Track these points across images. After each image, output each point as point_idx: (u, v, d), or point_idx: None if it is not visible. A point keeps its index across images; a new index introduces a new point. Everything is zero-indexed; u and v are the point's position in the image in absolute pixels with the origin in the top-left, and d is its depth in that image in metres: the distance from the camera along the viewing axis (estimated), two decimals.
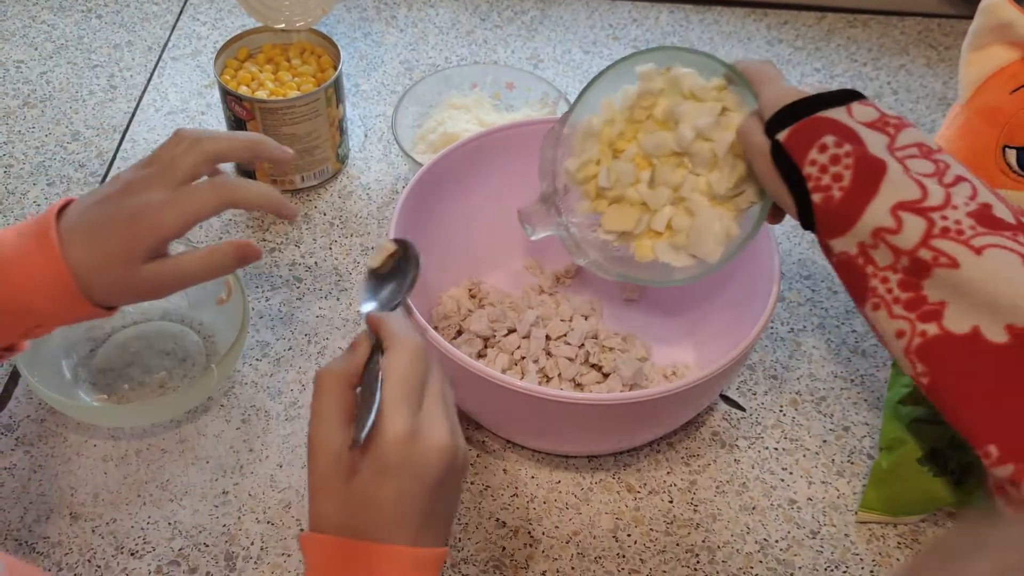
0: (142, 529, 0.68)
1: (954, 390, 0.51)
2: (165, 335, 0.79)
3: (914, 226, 0.52)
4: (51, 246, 0.57)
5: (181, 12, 1.09)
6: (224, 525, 0.68)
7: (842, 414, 0.76)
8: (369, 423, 0.50)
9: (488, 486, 0.71)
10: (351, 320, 0.81)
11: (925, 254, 0.52)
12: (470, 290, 0.81)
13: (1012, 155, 0.70)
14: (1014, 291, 0.49)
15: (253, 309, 0.81)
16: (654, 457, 0.73)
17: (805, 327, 0.82)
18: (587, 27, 1.09)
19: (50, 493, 0.70)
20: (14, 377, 0.76)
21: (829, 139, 0.55)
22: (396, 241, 0.62)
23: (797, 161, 0.56)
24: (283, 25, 0.89)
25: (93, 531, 0.68)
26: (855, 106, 0.57)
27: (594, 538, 0.69)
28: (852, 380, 0.78)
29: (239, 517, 0.69)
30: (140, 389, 0.75)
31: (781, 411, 0.76)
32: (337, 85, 0.87)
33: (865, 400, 0.77)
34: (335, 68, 0.88)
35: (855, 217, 0.54)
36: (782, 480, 0.72)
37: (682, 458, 0.73)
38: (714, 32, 1.08)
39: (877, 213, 0.53)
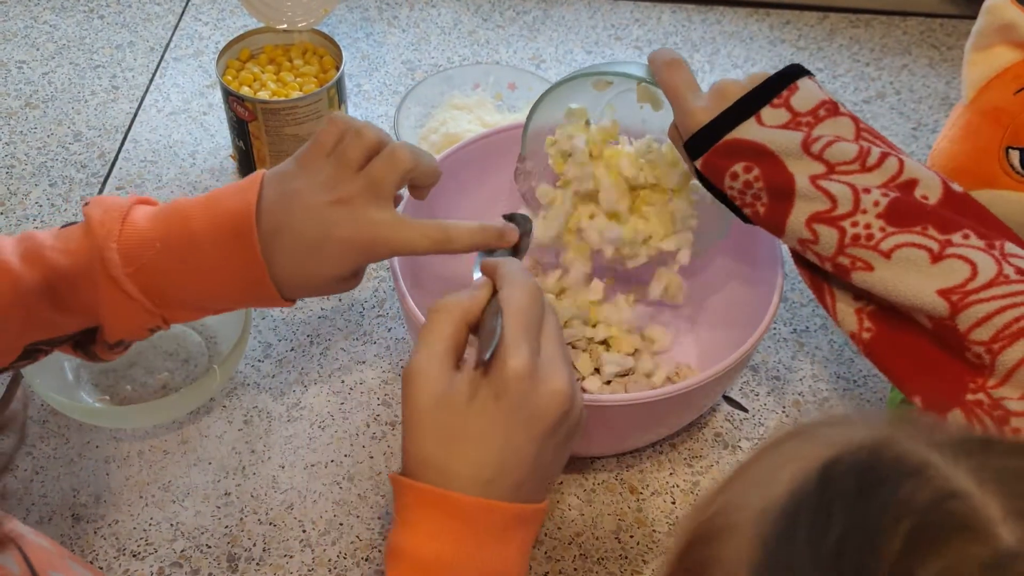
0: (144, 531, 0.68)
1: (890, 349, 0.57)
2: (167, 336, 0.79)
3: (829, 237, 0.56)
4: (256, 259, 0.56)
5: (183, 12, 1.09)
6: (226, 527, 0.68)
7: None
8: (495, 343, 0.48)
9: None
10: (353, 321, 0.81)
11: (843, 260, 0.56)
12: None
13: (1015, 156, 0.70)
14: (921, 290, 0.53)
15: (255, 310, 0.81)
16: (656, 458, 0.73)
17: (808, 328, 0.82)
18: (589, 27, 1.09)
19: (52, 495, 0.70)
20: (16, 378, 0.76)
21: (738, 166, 0.58)
22: (505, 217, 0.63)
23: (718, 185, 0.60)
24: (285, 25, 0.89)
25: (95, 532, 0.68)
26: (766, 112, 0.57)
27: (596, 539, 0.68)
28: (855, 381, 0.78)
29: (241, 519, 0.69)
30: (142, 390, 0.75)
31: (784, 412, 0.76)
32: (339, 86, 0.87)
33: (868, 401, 0.77)
34: (337, 69, 0.88)
35: (781, 229, 0.58)
36: None
37: (685, 459, 0.73)
38: (716, 32, 1.08)
39: (796, 227, 0.57)
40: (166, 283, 0.57)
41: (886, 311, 0.57)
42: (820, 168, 0.56)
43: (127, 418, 0.72)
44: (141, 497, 0.70)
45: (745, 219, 0.61)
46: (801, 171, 0.56)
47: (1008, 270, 0.52)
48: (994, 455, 0.31)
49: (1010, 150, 0.70)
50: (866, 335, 0.58)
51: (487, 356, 0.48)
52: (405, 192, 0.66)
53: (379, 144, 0.59)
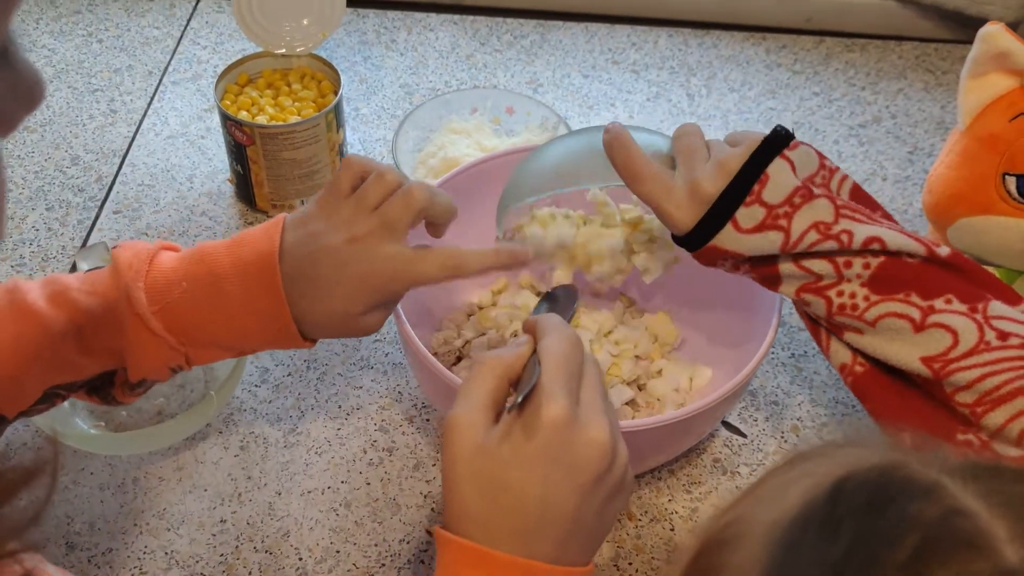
0: (139, 559, 0.68)
1: (882, 388, 0.58)
2: None
3: (817, 305, 0.58)
4: (279, 299, 0.58)
5: (181, 37, 1.09)
6: (222, 555, 0.68)
7: None
8: (529, 387, 0.49)
9: None
10: (350, 346, 0.81)
11: (835, 322, 0.58)
12: (469, 315, 0.81)
13: (1012, 182, 0.70)
14: (906, 357, 0.55)
15: None
16: (655, 484, 0.73)
17: (806, 352, 0.81)
18: (586, 51, 1.09)
19: (46, 522, 0.69)
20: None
21: (725, 263, 0.61)
22: (548, 293, 0.65)
23: (711, 265, 0.62)
24: (283, 50, 0.89)
25: (89, 561, 0.67)
26: (741, 213, 0.57)
27: (596, 567, 0.68)
28: (853, 406, 0.78)
29: (237, 546, 0.68)
30: (138, 416, 0.75)
31: (783, 437, 0.76)
32: (337, 110, 0.87)
33: (866, 426, 0.77)
34: (335, 93, 0.88)
35: (776, 289, 0.60)
36: None
37: (683, 485, 0.73)
38: (712, 56, 1.08)
39: (787, 294, 0.60)
40: (190, 322, 0.58)
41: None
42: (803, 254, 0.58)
43: (122, 445, 0.72)
44: (136, 525, 0.69)
45: None
46: (785, 260, 0.59)
47: (990, 335, 0.53)
48: (1003, 480, 0.32)
49: (1006, 176, 0.71)
50: (859, 368, 0.59)
51: (519, 399, 0.49)
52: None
53: (398, 186, 0.60)
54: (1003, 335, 0.53)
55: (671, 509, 0.71)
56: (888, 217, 0.61)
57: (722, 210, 0.57)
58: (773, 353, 0.81)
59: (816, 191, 0.58)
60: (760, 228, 0.57)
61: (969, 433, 0.54)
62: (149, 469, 0.72)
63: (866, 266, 0.56)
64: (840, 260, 0.57)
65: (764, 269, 0.59)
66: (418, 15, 1.12)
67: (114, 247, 0.60)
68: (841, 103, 1.03)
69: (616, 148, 0.61)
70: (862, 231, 0.56)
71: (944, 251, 0.57)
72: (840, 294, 0.57)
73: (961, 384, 0.54)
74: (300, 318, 0.59)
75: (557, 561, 0.48)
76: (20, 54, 0.26)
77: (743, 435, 0.76)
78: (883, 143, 0.99)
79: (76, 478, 0.72)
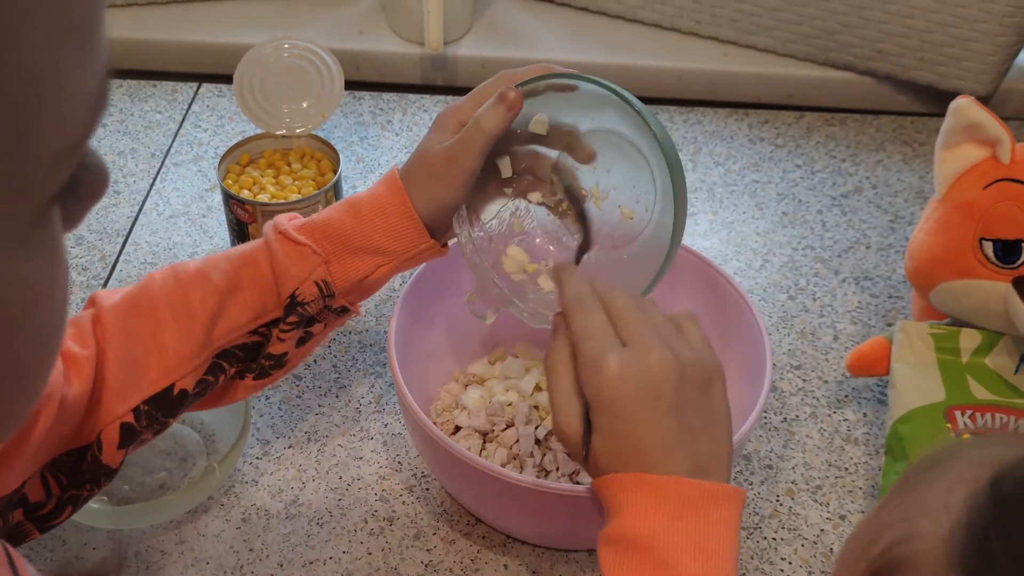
0: None
1: None
2: (165, 434, 0.79)
3: None
4: (397, 183, 0.65)
5: (183, 120, 1.13)
6: None
7: (838, 503, 0.77)
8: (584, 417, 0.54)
9: None
10: (350, 417, 0.82)
11: None
12: (466, 385, 0.82)
13: (989, 247, 0.73)
14: None
15: (253, 408, 0.82)
16: None
17: (798, 416, 0.83)
18: None
19: None
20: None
21: None
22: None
23: None
24: (284, 131, 0.92)
25: None
26: None
27: None
28: (846, 468, 0.79)
29: None
30: (140, 490, 0.76)
31: (778, 500, 0.77)
32: (336, 188, 0.90)
33: (860, 488, 0.78)
34: (334, 172, 0.91)
35: None
36: (782, 571, 0.72)
37: None
38: (697, 132, 1.12)
39: None
40: (329, 232, 0.64)
41: None
42: None
43: (125, 519, 0.72)
44: None
45: None
46: None
47: None
48: None
49: (983, 241, 0.73)
50: None
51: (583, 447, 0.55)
52: (404, 291, 0.67)
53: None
54: None
55: None
56: None
57: None
58: (765, 418, 0.83)
59: None
60: None
61: None
62: (151, 543, 0.73)
63: None
64: None
65: None
66: (412, 96, 1.16)
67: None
68: (823, 175, 1.07)
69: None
70: None
71: None
72: None
73: None
74: (416, 204, 0.65)
75: (699, 475, 0.52)
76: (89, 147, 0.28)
77: None
78: (865, 212, 1.03)
79: (79, 553, 0.72)
